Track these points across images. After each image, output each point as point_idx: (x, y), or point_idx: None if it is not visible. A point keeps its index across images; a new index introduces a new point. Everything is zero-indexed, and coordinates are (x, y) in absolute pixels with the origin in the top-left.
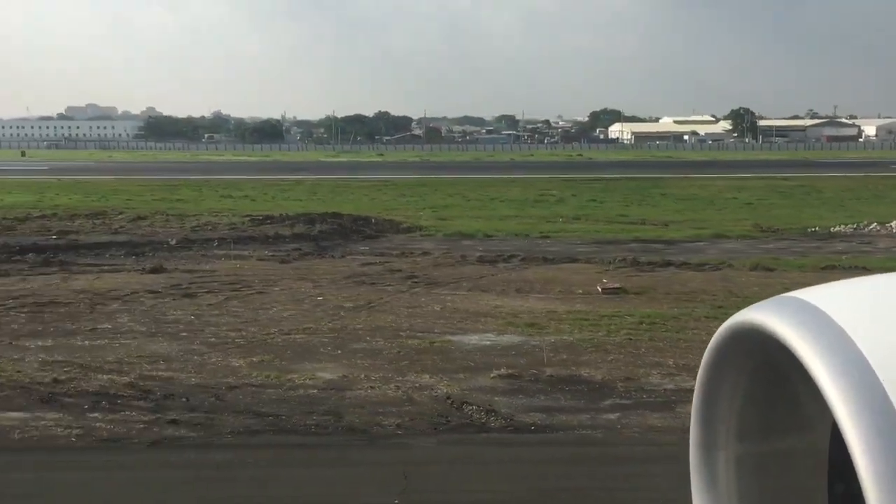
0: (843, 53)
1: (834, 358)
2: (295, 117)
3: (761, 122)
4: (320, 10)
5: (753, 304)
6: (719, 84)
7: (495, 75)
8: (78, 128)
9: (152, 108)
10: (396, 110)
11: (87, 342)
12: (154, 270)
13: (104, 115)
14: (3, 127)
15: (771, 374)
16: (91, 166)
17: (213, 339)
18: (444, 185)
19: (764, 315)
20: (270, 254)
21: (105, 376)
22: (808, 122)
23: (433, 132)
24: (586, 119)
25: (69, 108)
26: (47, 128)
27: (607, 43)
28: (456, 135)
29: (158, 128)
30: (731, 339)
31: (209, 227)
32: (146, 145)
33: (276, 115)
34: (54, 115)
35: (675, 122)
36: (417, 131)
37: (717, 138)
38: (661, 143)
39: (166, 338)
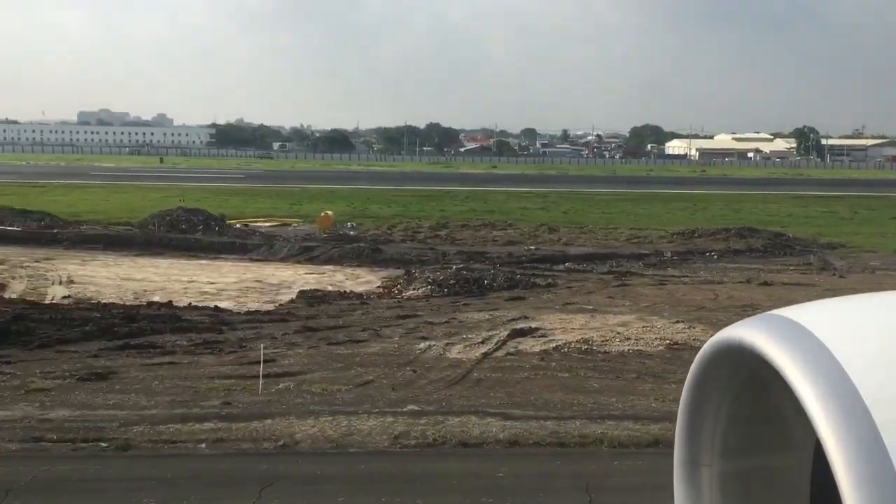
0: (860, 73)
1: (818, 377)
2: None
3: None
4: (324, 21)
5: (739, 322)
6: (744, 102)
7: (499, 89)
8: (146, 134)
9: (163, 115)
10: (410, 122)
11: None
12: (764, 284)
13: (117, 121)
14: (43, 132)
15: (756, 392)
16: (265, 174)
17: None
18: (694, 200)
19: (750, 332)
20: (792, 268)
21: None
22: (870, 141)
23: (503, 144)
24: (627, 134)
25: (81, 114)
26: (86, 133)
27: (615, 55)
28: (518, 148)
29: (226, 136)
30: (716, 355)
31: (646, 241)
32: (229, 153)
33: (294, 125)
34: (68, 120)
35: (734, 139)
36: (468, 144)
37: (780, 156)
38: (729, 161)
39: None
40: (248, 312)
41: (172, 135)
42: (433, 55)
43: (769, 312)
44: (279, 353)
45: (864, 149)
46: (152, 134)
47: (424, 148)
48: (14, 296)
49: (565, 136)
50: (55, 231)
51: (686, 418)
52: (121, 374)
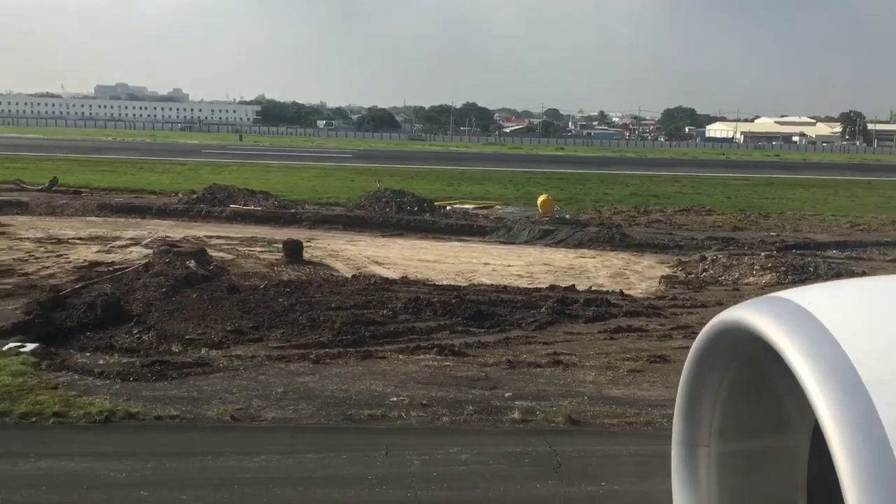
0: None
1: (819, 359)
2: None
3: None
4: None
5: (741, 303)
6: (765, 86)
7: (509, 69)
8: (193, 110)
9: (179, 90)
10: (434, 102)
11: None
12: None
13: (137, 95)
14: (92, 107)
15: (755, 373)
16: (368, 154)
17: None
18: (833, 186)
19: (751, 314)
20: None
21: None
22: None
23: (549, 126)
24: (654, 116)
25: (99, 88)
26: (111, 107)
27: (625, 37)
28: (561, 129)
29: (270, 113)
30: (717, 336)
31: (871, 229)
32: (276, 131)
33: (314, 101)
34: (86, 94)
35: (777, 122)
36: (506, 125)
37: (826, 140)
38: (777, 144)
39: None
40: (657, 297)
41: (221, 111)
42: (440, 34)
43: (771, 295)
44: None
45: None
46: (200, 110)
47: (463, 128)
48: (351, 275)
49: (602, 118)
50: (293, 211)
51: (684, 398)
52: (669, 358)
